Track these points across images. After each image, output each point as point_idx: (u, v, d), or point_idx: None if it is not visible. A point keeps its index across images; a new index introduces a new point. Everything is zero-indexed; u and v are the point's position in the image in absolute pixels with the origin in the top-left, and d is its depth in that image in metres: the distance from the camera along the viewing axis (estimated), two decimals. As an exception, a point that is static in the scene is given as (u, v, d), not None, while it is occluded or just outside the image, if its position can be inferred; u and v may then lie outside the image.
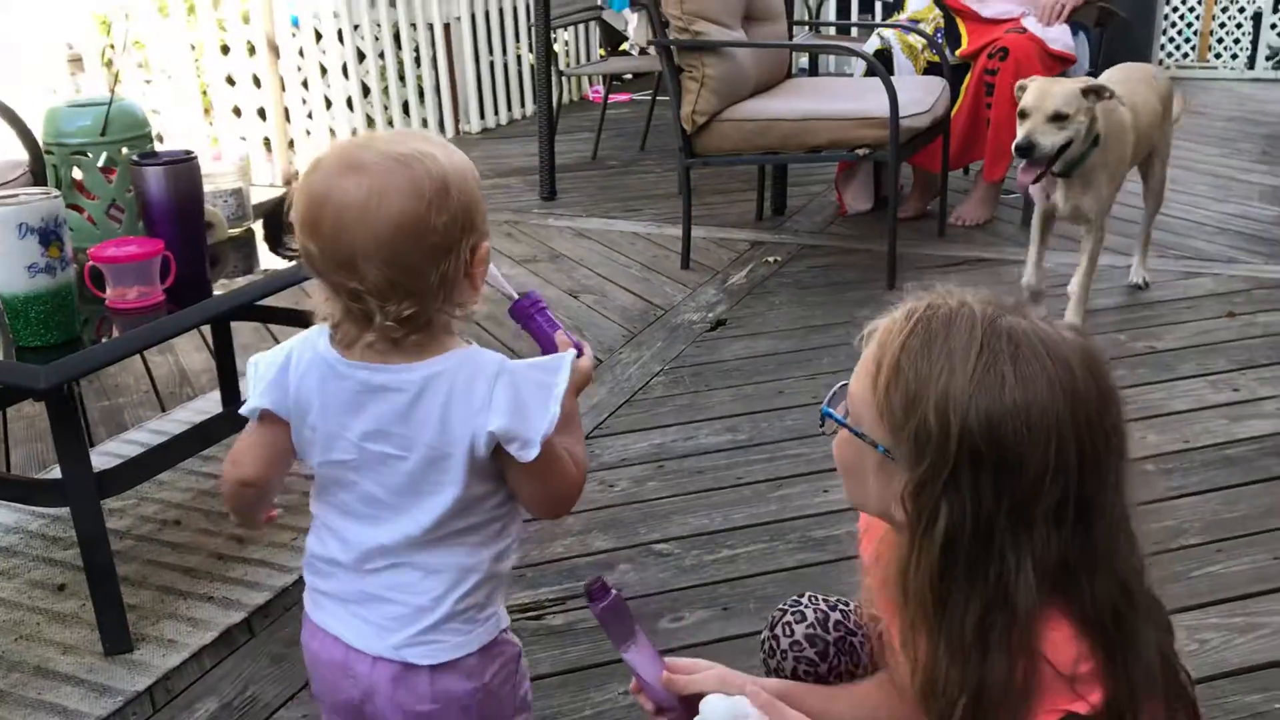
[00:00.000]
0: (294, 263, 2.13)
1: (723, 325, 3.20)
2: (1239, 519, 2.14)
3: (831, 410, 1.03)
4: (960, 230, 3.96)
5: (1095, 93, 2.72)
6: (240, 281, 2.11)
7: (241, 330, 3.11)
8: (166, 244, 1.84)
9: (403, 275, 1.05)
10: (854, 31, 5.34)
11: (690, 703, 1.10)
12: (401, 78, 5.61)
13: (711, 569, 2.05)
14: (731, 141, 3.52)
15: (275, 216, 2.21)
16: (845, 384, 1.03)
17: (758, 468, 2.40)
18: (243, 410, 1.17)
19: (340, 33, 5.24)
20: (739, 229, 4.09)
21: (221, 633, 1.92)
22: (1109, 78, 2.97)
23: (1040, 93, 2.72)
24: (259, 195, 2.46)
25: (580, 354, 1.20)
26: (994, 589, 0.91)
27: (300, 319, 2.72)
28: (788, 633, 1.31)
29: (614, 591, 1.13)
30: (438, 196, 1.05)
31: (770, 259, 3.74)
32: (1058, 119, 2.69)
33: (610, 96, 5.89)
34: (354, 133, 5.34)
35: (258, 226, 2.31)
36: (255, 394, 1.15)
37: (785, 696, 1.11)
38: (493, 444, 1.10)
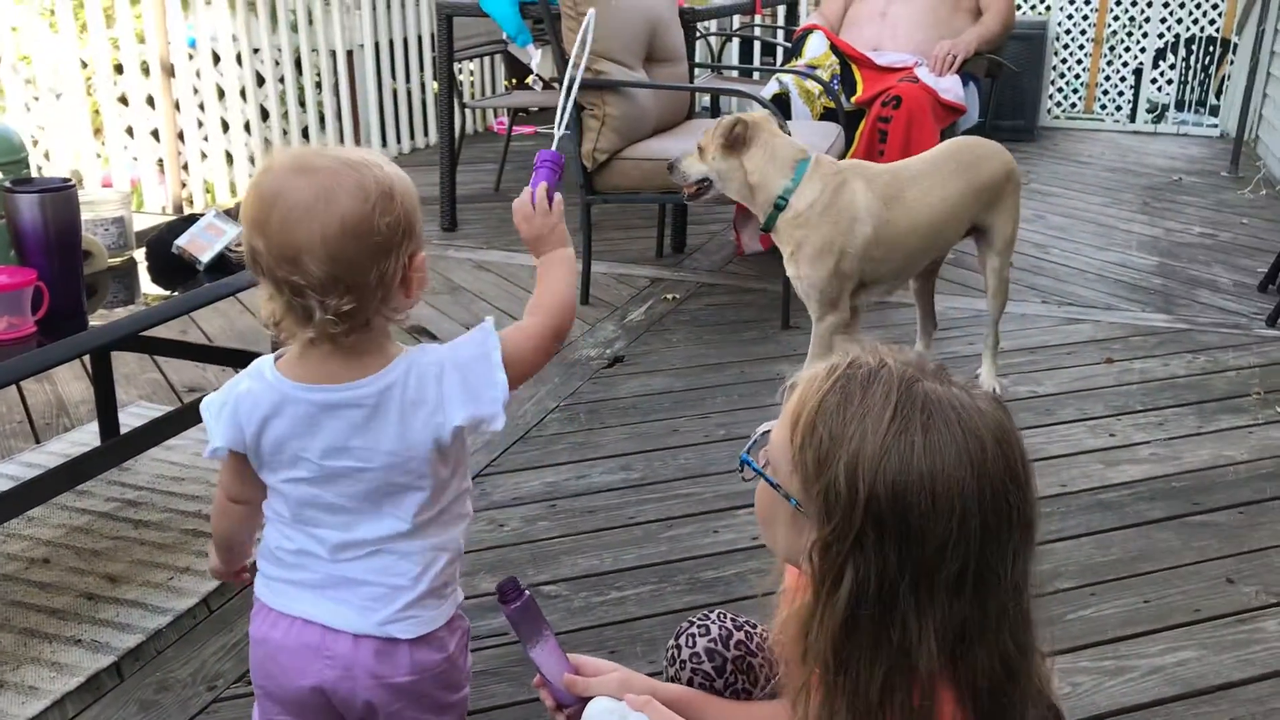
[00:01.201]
0: (175, 293, 2.08)
1: (620, 362, 3.21)
2: (1111, 563, 2.21)
3: (749, 458, 1.03)
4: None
5: (733, 135, 2.62)
6: (120, 312, 2.05)
7: (125, 359, 3.03)
8: (40, 274, 1.77)
9: (344, 270, 1.10)
10: (756, 75, 5.43)
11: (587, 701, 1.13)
12: (302, 103, 5.53)
13: (600, 611, 2.05)
14: (631, 179, 3.55)
15: (161, 244, 2.15)
16: (767, 430, 1.03)
17: (649, 507, 2.41)
18: (206, 454, 1.23)
19: (239, 56, 5.15)
20: (639, 265, 4.11)
21: (88, 678, 1.84)
22: (930, 153, 2.84)
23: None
24: (147, 221, 2.40)
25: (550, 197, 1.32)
26: (897, 654, 0.91)
27: (186, 350, 2.65)
28: (690, 644, 1.33)
29: (526, 593, 1.15)
30: (382, 200, 1.12)
31: (669, 296, 3.76)
32: (701, 151, 2.67)
33: (514, 128, 5.89)
34: (251, 159, 5.25)
35: (141, 255, 2.25)
36: (214, 435, 1.21)
37: (687, 704, 1.13)
38: (459, 435, 1.19)
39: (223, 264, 2.12)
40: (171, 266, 2.13)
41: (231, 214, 2.20)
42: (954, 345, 3.35)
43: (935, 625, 0.90)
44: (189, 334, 3.34)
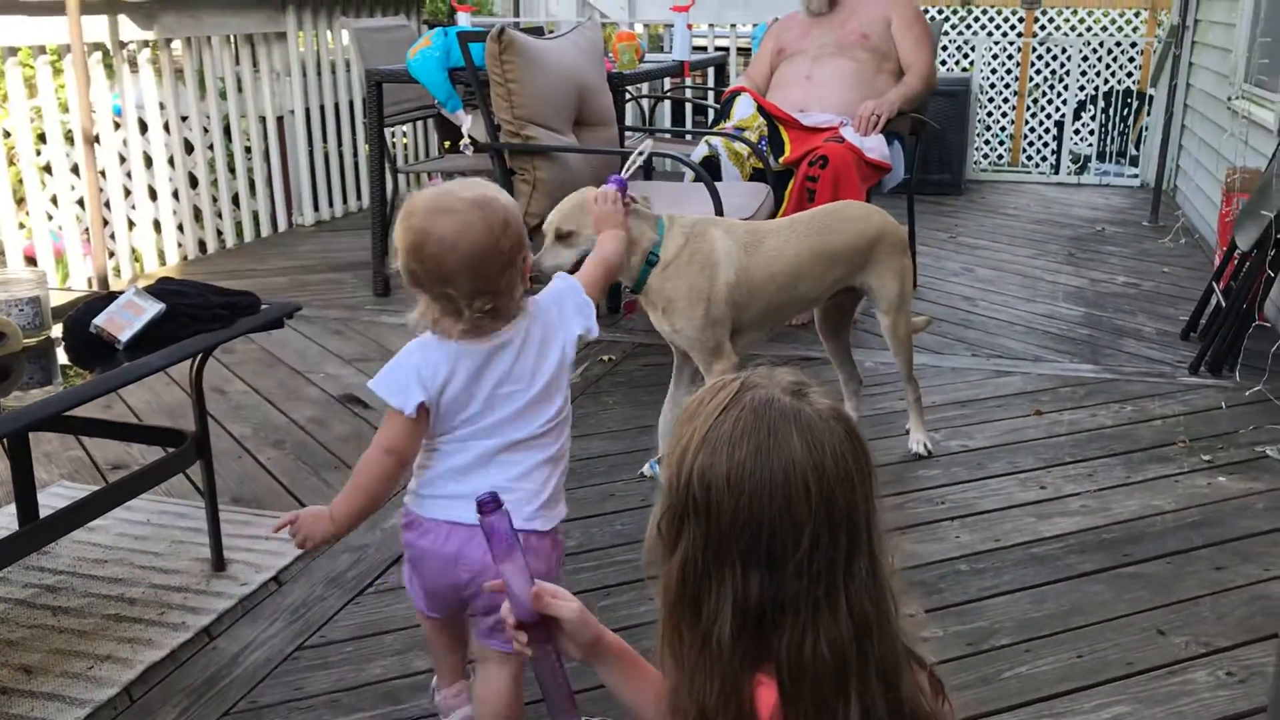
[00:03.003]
0: (95, 373, 2.03)
1: (555, 426, 3.18)
2: (1046, 617, 2.22)
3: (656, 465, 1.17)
4: (788, 329, 4.07)
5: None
6: (37, 393, 1.99)
7: (47, 437, 2.95)
8: (-51, 359, 1.73)
9: (483, 283, 1.50)
10: (688, 136, 5.50)
11: (548, 622, 1.22)
12: (232, 169, 5.49)
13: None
14: (564, 242, 3.55)
15: (79, 323, 2.10)
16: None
17: (585, 576, 2.38)
18: (398, 406, 1.54)
19: (167, 124, 5.11)
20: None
21: (0, 778, 1.77)
22: (814, 213, 2.89)
23: (555, 212, 2.58)
24: (71, 295, 2.35)
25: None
26: (707, 623, 1.05)
27: (108, 429, 2.58)
28: None
29: (504, 507, 1.23)
30: (503, 228, 1.51)
31: (605, 357, 3.76)
32: (562, 237, 2.54)
33: (448, 191, 5.90)
34: (179, 227, 5.19)
35: (60, 332, 2.20)
36: (407, 395, 1.54)
37: (621, 652, 1.26)
38: (574, 343, 1.65)
39: (143, 342, 2.08)
40: (90, 345, 2.08)
41: (152, 291, 2.16)
42: (886, 401, 3.37)
43: (734, 602, 1.03)
44: (113, 408, 3.27)
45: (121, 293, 2.15)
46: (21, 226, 4.93)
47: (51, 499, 2.63)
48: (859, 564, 1.03)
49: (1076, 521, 2.61)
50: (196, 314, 2.18)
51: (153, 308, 2.11)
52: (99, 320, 2.06)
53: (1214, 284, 3.86)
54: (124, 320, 2.07)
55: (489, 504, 1.24)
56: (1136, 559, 2.43)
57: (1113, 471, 2.87)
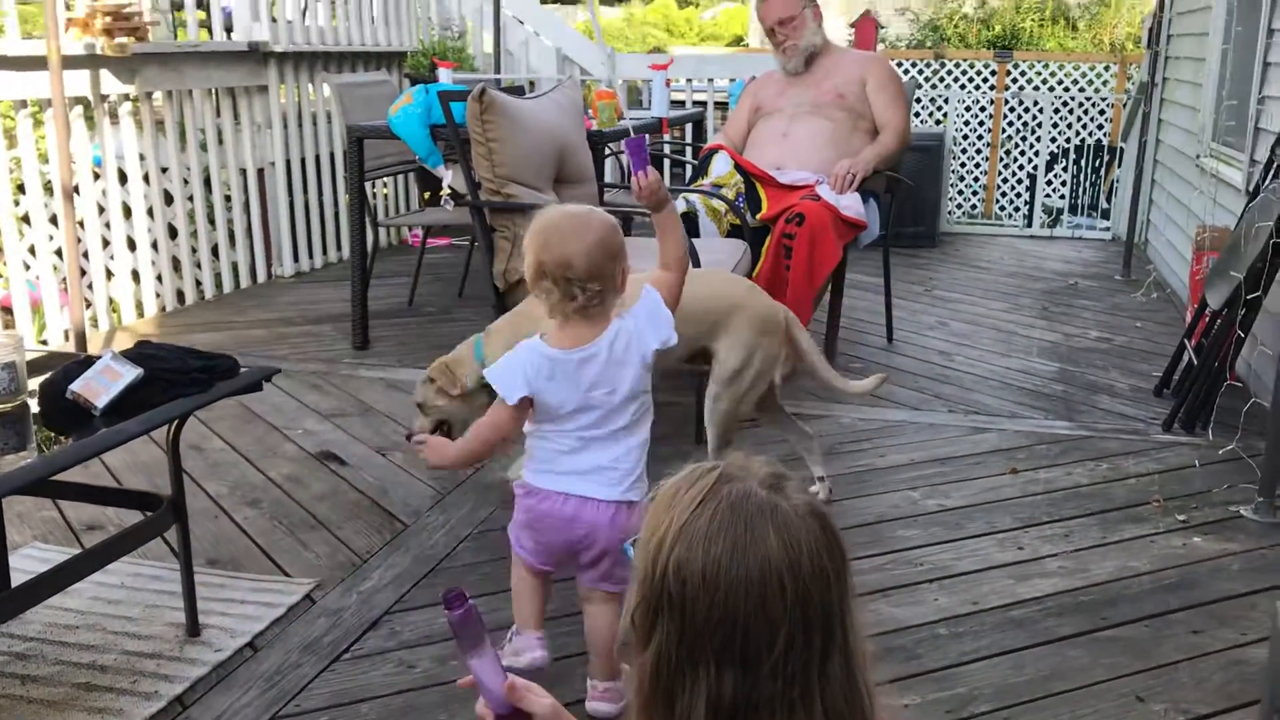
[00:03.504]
0: (71, 439, 2.02)
1: (533, 485, 3.18)
2: (1026, 683, 2.22)
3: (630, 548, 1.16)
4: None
5: (436, 379, 2.79)
6: (11, 459, 1.98)
7: (19, 498, 2.92)
8: (-77, 430, 1.72)
9: (596, 269, 1.86)
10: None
11: (522, 716, 1.20)
12: (211, 220, 5.49)
13: None
14: (543, 299, 3.56)
15: (55, 389, 2.09)
16: None
17: (562, 641, 2.36)
18: (504, 395, 1.91)
19: (147, 175, 5.11)
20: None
21: None
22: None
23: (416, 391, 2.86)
24: (47, 352, 2.34)
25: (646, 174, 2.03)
26: (681, 719, 1.03)
27: (83, 492, 2.55)
28: None
29: (470, 602, 1.22)
30: (612, 230, 1.91)
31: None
32: (421, 409, 2.85)
33: (429, 240, 5.92)
34: (158, 278, 5.17)
35: (35, 391, 2.18)
36: (513, 389, 1.91)
37: None
38: (655, 355, 1.97)
39: (120, 407, 2.08)
40: (66, 411, 2.07)
41: (129, 355, 2.16)
42: (864, 457, 3.39)
43: (707, 699, 1.02)
44: (90, 466, 3.24)
45: (99, 357, 2.14)
46: (-2, 277, 4.92)
47: (25, 562, 2.61)
48: (833, 664, 1.03)
49: (1054, 583, 2.62)
50: (174, 378, 2.17)
51: (130, 373, 2.10)
52: (75, 386, 2.06)
53: (1186, 341, 3.90)
54: (100, 386, 2.06)
55: (455, 601, 1.22)
56: (1114, 622, 2.44)
57: (1089, 532, 2.89)
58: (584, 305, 1.88)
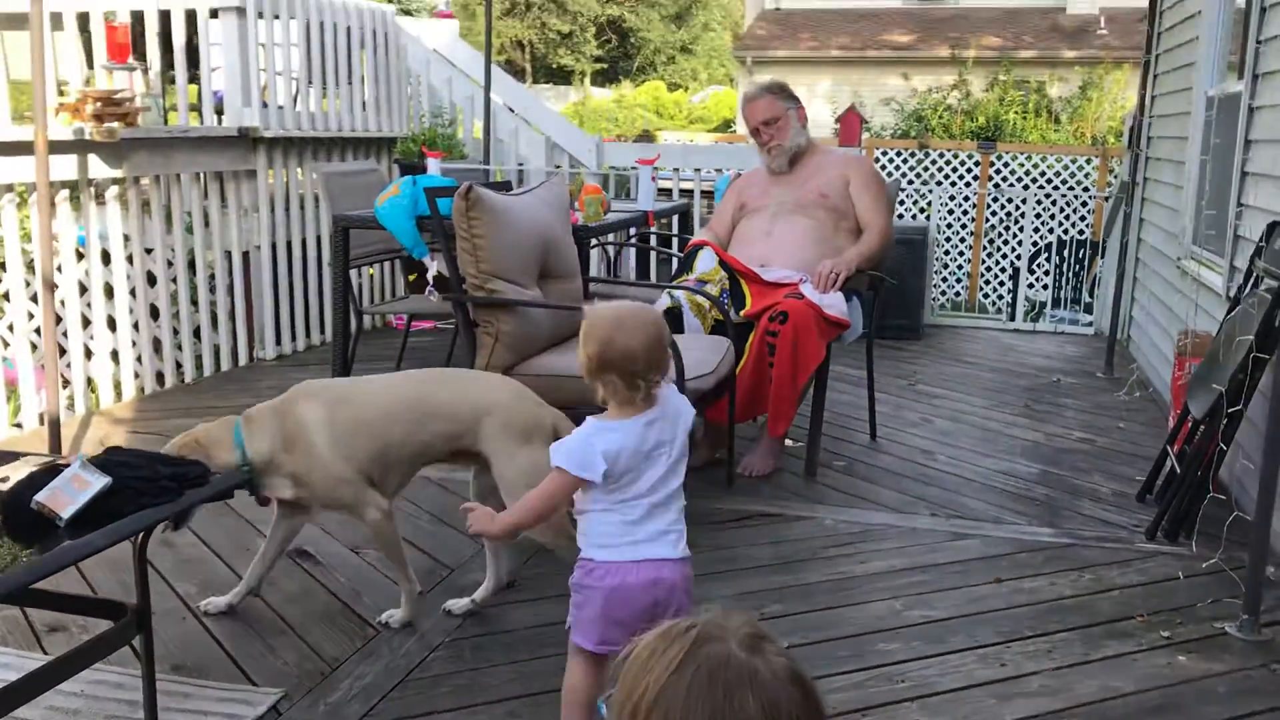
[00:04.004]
0: (35, 552, 1.97)
1: (510, 587, 3.13)
2: (1007, 813, 2.16)
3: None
4: (747, 481, 4.07)
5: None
6: (-29, 569, 1.93)
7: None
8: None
9: (655, 360, 2.03)
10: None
11: None
12: (194, 302, 5.48)
13: None
14: (524, 395, 3.54)
15: (20, 498, 2.04)
16: None
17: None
18: (588, 476, 2.01)
19: (131, 256, 5.10)
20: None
21: None
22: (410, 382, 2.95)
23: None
24: (22, 430, 2.30)
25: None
26: None
27: (43, 599, 2.48)
28: None
29: None
30: (662, 324, 2.08)
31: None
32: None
33: (414, 323, 5.91)
34: (138, 358, 5.14)
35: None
36: (593, 465, 2.00)
37: None
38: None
39: (87, 515, 2.03)
40: (30, 521, 2.02)
41: (97, 463, 2.12)
42: (846, 564, 3.35)
43: None
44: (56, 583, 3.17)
45: (67, 464, 2.10)
46: (-24, 355, 4.87)
47: (-18, 666, 2.53)
48: None
49: (1036, 704, 2.56)
50: (143, 487, 2.14)
51: (98, 482, 2.06)
52: (41, 497, 2.01)
53: (1169, 448, 3.89)
54: (67, 497, 2.02)
55: None
56: (1098, 748, 2.39)
57: (1072, 648, 2.84)
58: (647, 393, 2.05)
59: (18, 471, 2.25)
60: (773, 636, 1.09)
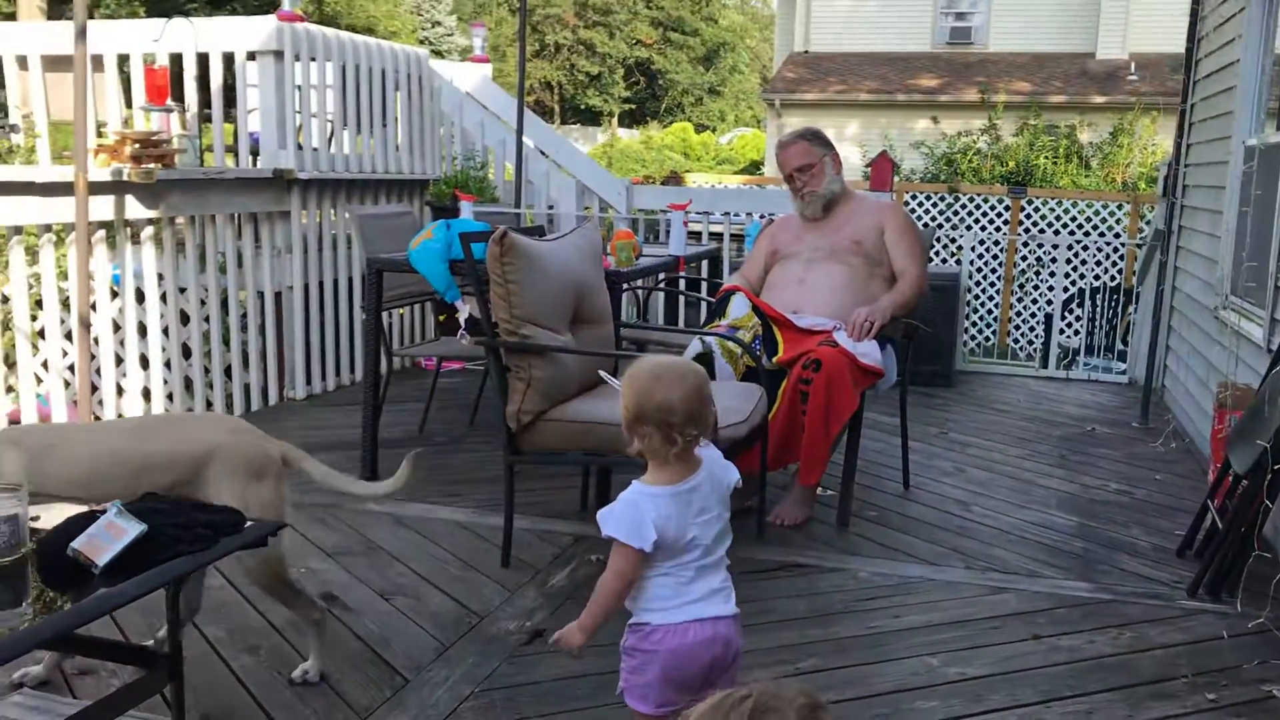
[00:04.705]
0: (70, 598, 1.95)
1: (540, 637, 3.09)
2: None
3: None
4: (779, 530, 4.02)
5: None
6: (3, 617, 1.92)
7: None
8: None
9: (693, 414, 2.03)
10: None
11: None
12: (226, 341, 5.50)
13: None
14: (555, 440, 3.53)
15: (55, 546, 2.03)
16: None
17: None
18: (639, 545, 2.00)
19: (164, 295, 5.14)
20: (563, 520, 4.05)
21: None
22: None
23: None
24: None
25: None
26: None
27: (75, 645, 2.47)
28: None
29: None
30: (703, 380, 2.08)
31: (593, 558, 3.68)
32: None
33: (444, 364, 5.91)
34: (169, 396, 5.16)
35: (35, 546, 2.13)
36: (644, 534, 1.99)
37: None
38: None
39: (122, 561, 2.02)
40: (64, 569, 2.01)
41: (133, 509, 2.11)
42: (879, 619, 3.29)
43: None
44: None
45: (103, 512, 2.09)
46: (9, 390, 4.91)
47: (11, 710, 2.52)
48: None
49: (1079, 769, 2.50)
50: (178, 534, 2.12)
51: (134, 529, 2.05)
52: (77, 544, 2.01)
53: (1210, 502, 3.83)
54: (103, 543, 2.01)
55: None
56: (1144, 816, 2.33)
57: (1113, 710, 2.77)
58: (684, 449, 2.04)
59: (51, 512, 2.24)
60: (826, 705, 1.06)
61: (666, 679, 2.05)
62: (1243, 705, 2.81)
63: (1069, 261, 10.40)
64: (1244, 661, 3.05)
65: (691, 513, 2.05)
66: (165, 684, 2.22)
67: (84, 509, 2.17)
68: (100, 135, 5.19)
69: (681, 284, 5.86)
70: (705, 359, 4.06)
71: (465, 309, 4.38)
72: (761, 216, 6.68)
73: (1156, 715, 2.75)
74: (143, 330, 5.17)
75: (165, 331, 5.19)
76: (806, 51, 21.20)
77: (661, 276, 5.73)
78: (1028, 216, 11.50)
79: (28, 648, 1.83)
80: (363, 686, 2.79)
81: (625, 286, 5.08)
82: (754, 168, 24.98)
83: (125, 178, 4.62)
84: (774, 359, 4.05)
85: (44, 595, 2.01)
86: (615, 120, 35.85)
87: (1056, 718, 2.73)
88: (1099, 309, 8.27)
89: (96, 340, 4.90)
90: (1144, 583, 3.61)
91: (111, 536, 2.03)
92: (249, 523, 2.27)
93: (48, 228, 4.51)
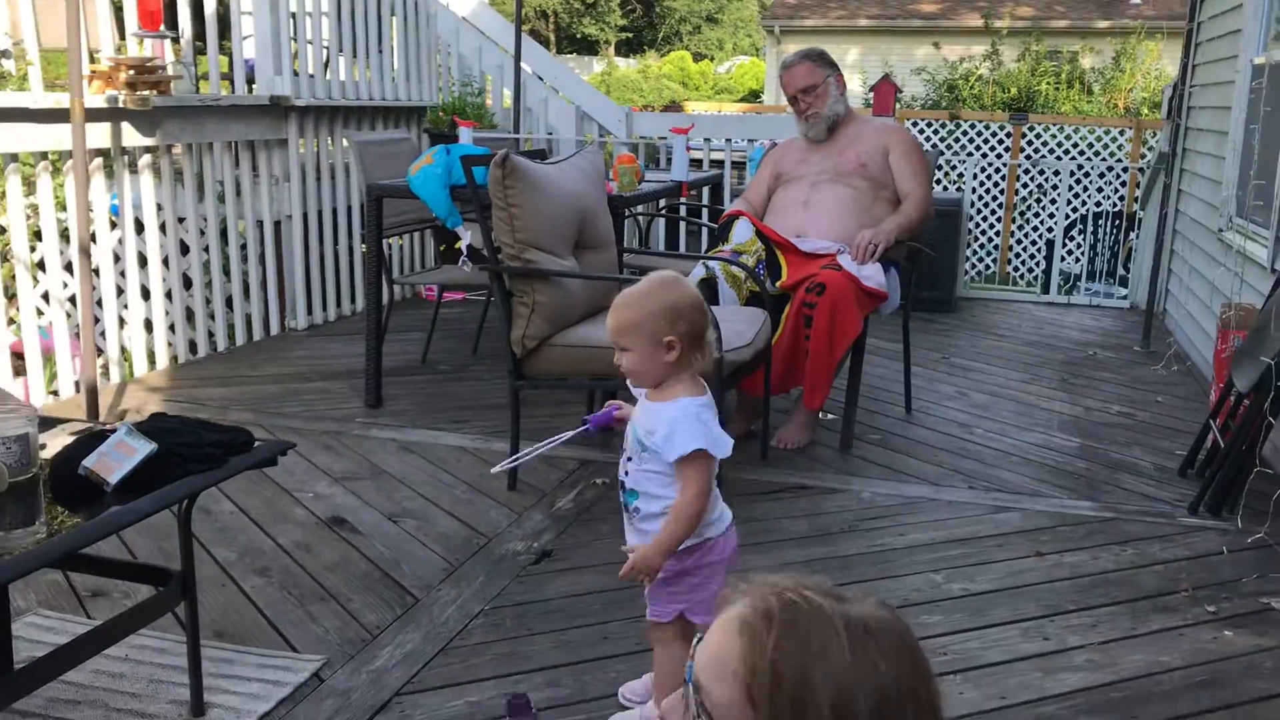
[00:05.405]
0: (82, 516, 1.97)
1: (548, 557, 3.12)
2: (1054, 788, 2.14)
3: None
4: (782, 453, 4.04)
5: None
6: (20, 534, 1.93)
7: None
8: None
9: (697, 333, 2.05)
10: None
11: None
12: (226, 272, 5.48)
13: None
14: (560, 366, 3.53)
15: (68, 463, 2.04)
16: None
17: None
18: (723, 453, 2.03)
19: (163, 225, 5.10)
20: (569, 445, 4.05)
21: None
22: None
23: None
24: (60, 397, 2.29)
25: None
26: None
27: (88, 564, 2.48)
28: None
29: (533, 711, 1.20)
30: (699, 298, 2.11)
31: (599, 480, 3.70)
32: None
33: (444, 294, 5.89)
34: (171, 327, 5.16)
35: (48, 465, 2.13)
36: (725, 444, 2.03)
37: None
38: None
39: (132, 481, 2.03)
40: (77, 486, 2.02)
41: (143, 429, 2.12)
42: (884, 536, 3.32)
43: None
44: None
45: (113, 430, 2.10)
46: (11, 322, 4.90)
47: (28, 630, 2.55)
48: None
49: (1083, 678, 2.54)
50: (188, 453, 2.13)
51: (144, 448, 2.06)
52: (89, 462, 2.01)
53: (1211, 421, 3.84)
54: (115, 462, 2.02)
55: (519, 708, 1.21)
56: (1145, 723, 2.37)
57: (1117, 622, 2.81)
58: (714, 361, 2.20)
59: (57, 439, 2.25)
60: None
61: (717, 585, 2.10)
62: (1242, 617, 2.85)
63: (1071, 188, 10.34)
64: (1243, 575, 3.08)
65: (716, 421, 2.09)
66: (178, 602, 2.24)
67: (94, 428, 2.17)
68: (93, 63, 5.11)
69: (682, 210, 5.81)
70: (709, 284, 4.05)
71: (466, 236, 4.35)
72: (766, 143, 6.61)
73: (1158, 627, 2.79)
74: (143, 261, 5.14)
75: (165, 262, 5.16)
76: (806, -23, 20.87)
77: (661, 203, 5.70)
78: (1029, 144, 11.39)
79: (40, 564, 1.84)
80: (373, 606, 2.82)
81: (627, 213, 5.04)
82: (753, 96, 24.70)
83: (121, 104, 4.56)
84: (777, 283, 4.03)
85: (58, 516, 2.03)
86: (612, 49, 35.37)
87: (1060, 631, 2.77)
88: (1100, 235, 8.23)
89: (96, 271, 4.87)
90: (1146, 501, 3.64)
91: (122, 455, 2.03)
92: (258, 442, 2.27)
93: (43, 155, 4.46)
